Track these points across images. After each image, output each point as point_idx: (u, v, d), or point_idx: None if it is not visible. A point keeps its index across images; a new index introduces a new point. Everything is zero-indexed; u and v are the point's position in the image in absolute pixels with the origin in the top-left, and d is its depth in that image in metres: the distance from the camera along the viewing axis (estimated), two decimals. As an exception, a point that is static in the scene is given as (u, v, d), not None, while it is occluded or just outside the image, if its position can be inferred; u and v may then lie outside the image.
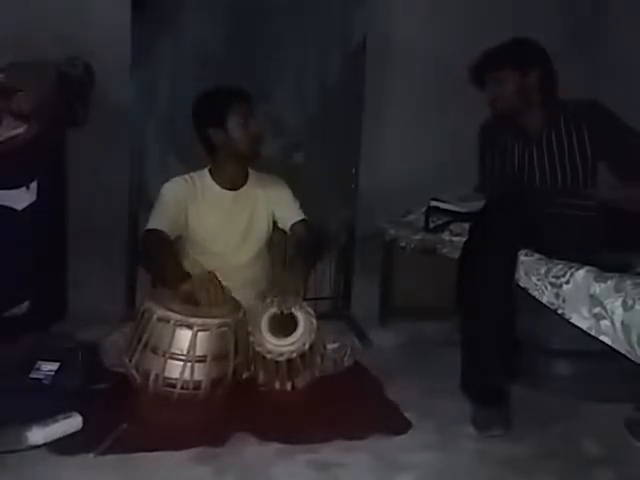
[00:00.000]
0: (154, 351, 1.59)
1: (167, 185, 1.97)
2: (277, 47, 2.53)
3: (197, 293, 1.65)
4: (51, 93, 2.16)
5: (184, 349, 1.57)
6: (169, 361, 1.57)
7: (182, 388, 1.58)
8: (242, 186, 2.01)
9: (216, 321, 1.61)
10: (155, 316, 1.59)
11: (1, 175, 2.11)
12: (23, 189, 2.14)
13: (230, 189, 1.99)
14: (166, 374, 1.57)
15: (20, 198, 2.13)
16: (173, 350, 1.58)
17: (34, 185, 2.15)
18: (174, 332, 1.57)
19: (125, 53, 2.37)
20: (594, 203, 1.85)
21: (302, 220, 2.00)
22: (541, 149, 1.96)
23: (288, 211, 2.02)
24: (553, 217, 1.86)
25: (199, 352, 1.58)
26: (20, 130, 2.11)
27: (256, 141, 1.93)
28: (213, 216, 1.97)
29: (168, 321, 1.58)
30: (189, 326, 1.58)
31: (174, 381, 1.57)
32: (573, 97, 1.97)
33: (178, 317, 1.58)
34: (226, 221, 1.98)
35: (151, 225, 1.88)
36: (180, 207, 1.93)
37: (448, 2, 2.70)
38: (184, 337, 1.58)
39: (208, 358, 1.60)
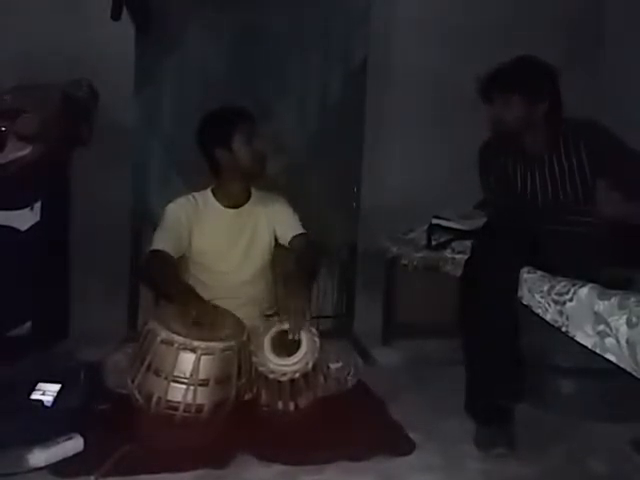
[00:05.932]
0: (157, 373, 1.58)
1: (171, 205, 1.98)
2: (279, 66, 2.56)
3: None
4: (55, 114, 2.18)
5: (187, 372, 1.56)
6: (172, 384, 1.56)
7: (184, 411, 1.56)
8: (244, 204, 2.02)
9: (220, 345, 1.60)
10: (159, 338, 1.58)
11: (5, 196, 2.13)
12: (27, 209, 2.15)
13: (232, 207, 2.01)
14: (169, 397, 1.56)
15: (24, 218, 2.15)
16: (176, 373, 1.56)
17: (38, 205, 2.16)
18: (177, 355, 1.56)
19: (128, 74, 2.41)
20: (594, 220, 1.85)
21: (301, 234, 2.01)
22: (542, 169, 1.95)
23: (288, 226, 2.03)
24: (554, 234, 1.86)
25: (202, 376, 1.57)
26: (25, 151, 2.12)
27: (260, 160, 1.94)
28: (215, 234, 1.98)
29: (172, 344, 1.57)
30: (193, 350, 1.57)
31: (176, 404, 1.56)
32: (571, 115, 1.97)
33: (182, 340, 1.57)
34: (228, 239, 1.99)
35: (155, 246, 1.88)
36: (184, 227, 1.94)
37: (449, 20, 2.72)
38: (187, 360, 1.56)
39: (211, 382, 1.58)
